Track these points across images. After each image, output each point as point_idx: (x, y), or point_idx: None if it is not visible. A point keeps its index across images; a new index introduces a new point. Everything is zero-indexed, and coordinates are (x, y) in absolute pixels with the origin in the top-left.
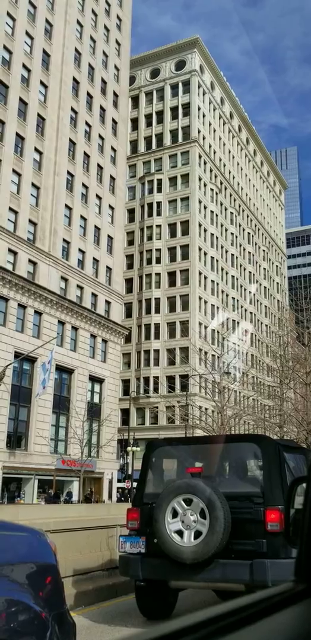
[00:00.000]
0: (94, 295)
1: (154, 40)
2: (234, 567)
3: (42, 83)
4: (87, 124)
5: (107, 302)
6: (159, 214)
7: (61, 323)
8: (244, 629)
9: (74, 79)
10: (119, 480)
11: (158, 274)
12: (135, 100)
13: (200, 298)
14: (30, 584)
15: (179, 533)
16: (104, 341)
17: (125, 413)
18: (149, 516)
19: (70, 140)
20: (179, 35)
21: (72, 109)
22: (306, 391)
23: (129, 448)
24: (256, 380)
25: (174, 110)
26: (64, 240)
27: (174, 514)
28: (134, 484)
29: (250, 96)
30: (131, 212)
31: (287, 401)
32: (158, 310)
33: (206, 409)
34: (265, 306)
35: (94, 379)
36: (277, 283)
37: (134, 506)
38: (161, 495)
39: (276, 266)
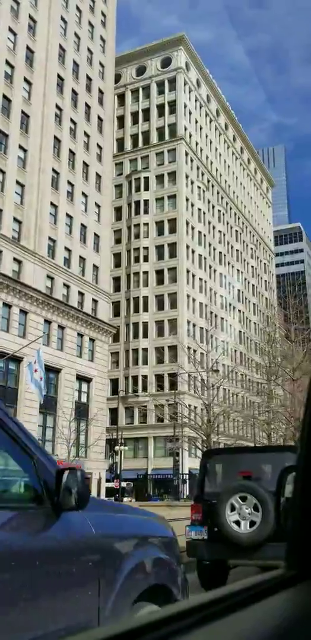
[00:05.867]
0: (81, 294)
1: None
2: (284, 548)
3: (25, 80)
4: (72, 121)
5: (94, 301)
6: (146, 212)
7: (47, 322)
8: (234, 614)
9: (59, 76)
10: (108, 480)
11: (146, 272)
12: (121, 98)
13: (188, 296)
14: (167, 549)
15: (237, 523)
16: (92, 340)
17: (114, 412)
18: (209, 510)
19: (55, 137)
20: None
21: (57, 106)
22: (293, 387)
23: (116, 447)
24: (245, 378)
25: (160, 108)
26: (50, 238)
27: (232, 508)
28: (123, 484)
29: (254, 95)
30: (118, 210)
31: (275, 398)
32: (146, 309)
33: (195, 407)
34: (253, 304)
35: (82, 379)
36: (265, 281)
37: (196, 502)
38: (221, 494)
39: (265, 264)
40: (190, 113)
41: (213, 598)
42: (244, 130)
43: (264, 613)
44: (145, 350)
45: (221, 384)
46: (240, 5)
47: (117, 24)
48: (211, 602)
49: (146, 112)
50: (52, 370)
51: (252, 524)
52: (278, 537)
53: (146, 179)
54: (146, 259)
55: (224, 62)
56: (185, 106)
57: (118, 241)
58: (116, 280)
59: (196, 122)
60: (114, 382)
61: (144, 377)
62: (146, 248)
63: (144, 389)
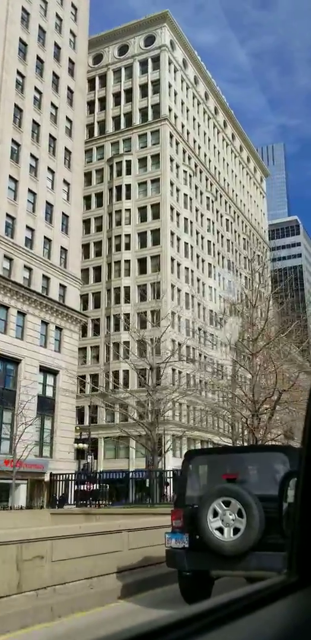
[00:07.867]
0: (46, 278)
1: None
2: (270, 558)
3: None
4: (36, 90)
5: (62, 286)
6: (128, 197)
7: (4, 307)
8: (235, 622)
9: (21, 41)
10: (82, 483)
11: (128, 261)
12: (103, 79)
13: (173, 286)
14: None
15: (220, 530)
16: (59, 329)
17: (94, 411)
18: (191, 516)
19: (15, 106)
20: (190, 38)
21: (19, 73)
22: (253, 364)
23: (76, 445)
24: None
25: (143, 87)
26: (8, 215)
27: (215, 514)
28: (96, 486)
29: (258, 97)
30: (99, 196)
31: (236, 383)
32: (128, 300)
33: (180, 403)
34: (246, 296)
35: (47, 371)
36: (259, 273)
37: (177, 507)
38: (203, 499)
39: (258, 255)
40: (175, 94)
41: (213, 606)
42: (247, 130)
43: (265, 620)
44: (127, 343)
45: (167, 364)
46: (244, 8)
47: (118, 25)
48: (211, 610)
49: (129, 92)
50: (10, 361)
51: (236, 531)
52: (264, 546)
53: (128, 162)
54: (127, 247)
55: (228, 64)
56: (170, 86)
57: (99, 229)
58: (97, 269)
59: (183, 103)
60: (94, 378)
61: (126, 372)
62: (128, 235)
63: (126, 385)
